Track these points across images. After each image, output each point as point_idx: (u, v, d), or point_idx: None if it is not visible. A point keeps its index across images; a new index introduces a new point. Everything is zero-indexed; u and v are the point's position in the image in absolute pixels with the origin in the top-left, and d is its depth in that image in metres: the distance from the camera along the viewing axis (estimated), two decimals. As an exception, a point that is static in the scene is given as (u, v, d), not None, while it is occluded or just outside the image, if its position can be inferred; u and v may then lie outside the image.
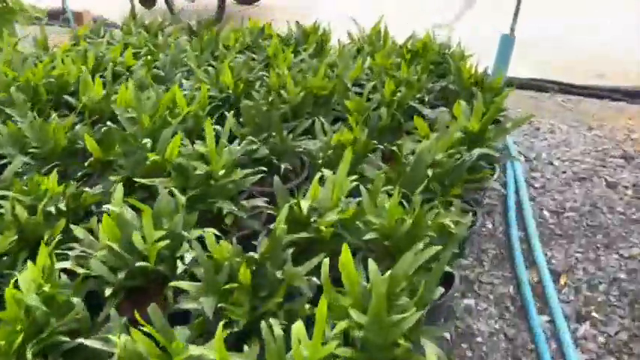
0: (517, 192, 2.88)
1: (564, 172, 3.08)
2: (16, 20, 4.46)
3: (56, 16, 5.80)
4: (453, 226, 1.74)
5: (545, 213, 2.75)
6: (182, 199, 1.87)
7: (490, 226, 2.67)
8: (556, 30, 5.52)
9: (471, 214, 2.24)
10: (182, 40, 3.42)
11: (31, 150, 2.24)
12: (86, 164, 2.15)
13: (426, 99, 2.73)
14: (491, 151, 2.16)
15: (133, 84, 2.57)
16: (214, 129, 2.50)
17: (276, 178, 2.00)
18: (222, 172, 2.03)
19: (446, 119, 2.50)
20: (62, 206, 1.88)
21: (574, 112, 3.89)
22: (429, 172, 2.05)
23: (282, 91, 2.61)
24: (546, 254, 2.48)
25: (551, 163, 3.17)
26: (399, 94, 2.60)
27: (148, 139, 2.18)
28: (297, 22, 3.53)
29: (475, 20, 6.22)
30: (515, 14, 3.07)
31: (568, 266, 2.41)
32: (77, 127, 2.29)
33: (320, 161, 2.20)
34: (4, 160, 2.23)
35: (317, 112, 2.70)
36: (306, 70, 3.02)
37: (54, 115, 2.39)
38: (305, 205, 1.84)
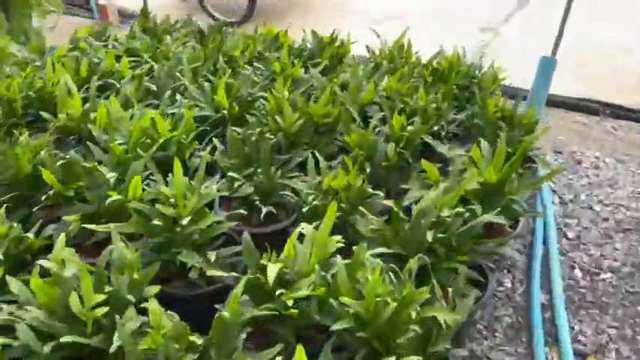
0: (545, 242, 2.50)
1: (605, 220, 2.66)
2: (34, 14, 4.33)
3: (81, 5, 5.65)
4: (444, 322, 1.41)
5: (577, 272, 2.36)
6: (130, 256, 1.61)
7: (509, 284, 2.31)
8: (607, 40, 4.95)
9: (489, 273, 1.92)
10: (188, 47, 3.16)
11: (-7, 174, 2.04)
12: (43, 198, 1.93)
13: (444, 133, 2.38)
14: (499, 218, 1.78)
15: (117, 101, 2.34)
16: (200, 156, 2.25)
17: (245, 236, 1.71)
18: (187, 220, 1.76)
19: (464, 161, 2.15)
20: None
21: (625, 143, 3.43)
22: (431, 235, 1.71)
23: (278, 117, 2.31)
24: (573, 327, 2.10)
25: (591, 208, 2.75)
26: (410, 127, 2.25)
27: (113, 174, 1.94)
28: (313, 31, 3.20)
29: (526, 22, 5.72)
30: (559, 34, 2.65)
31: (597, 345, 2.03)
32: (42, 152, 2.06)
33: (306, 209, 1.90)
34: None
35: (318, 142, 2.38)
36: (316, 88, 2.71)
37: (23, 136, 2.17)
38: (272, 271, 1.54)
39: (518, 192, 1.96)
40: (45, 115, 2.32)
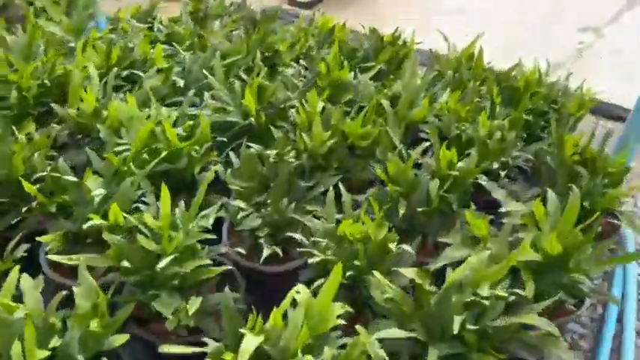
0: (621, 318, 2.02)
1: None
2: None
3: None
4: None
5: (658, 365, 1.88)
6: (86, 304, 1.36)
7: (565, 369, 1.86)
8: None
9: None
10: (234, 36, 2.87)
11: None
12: (24, 210, 1.72)
13: (506, 172, 1.94)
14: (550, 326, 1.33)
15: (134, 98, 2.09)
16: (216, 172, 1.96)
17: (226, 293, 1.40)
18: (166, 261, 1.48)
19: (523, 214, 1.73)
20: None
21: None
22: (458, 324, 1.33)
23: (306, 135, 1.97)
24: None
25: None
26: (462, 163, 1.84)
27: (101, 191, 1.69)
28: (372, 29, 2.80)
29: (634, 22, 4.95)
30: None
31: None
32: (36, 154, 1.85)
33: (312, 261, 1.56)
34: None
35: (351, 167, 2.03)
36: (363, 98, 2.34)
37: (25, 130, 1.99)
38: (247, 350, 1.24)
39: (587, 269, 1.52)
40: (56, 107, 2.12)
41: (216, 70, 2.36)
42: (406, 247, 1.59)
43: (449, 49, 2.65)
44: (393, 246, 1.54)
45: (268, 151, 1.87)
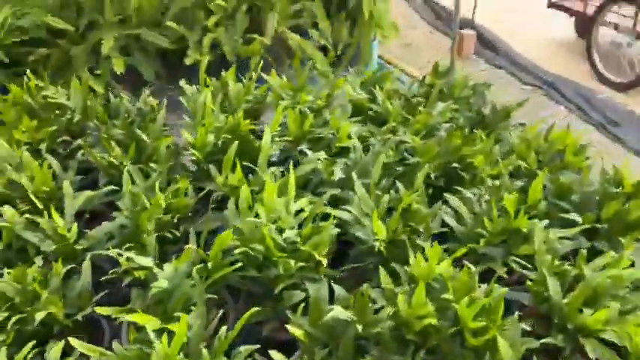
0: None
1: None
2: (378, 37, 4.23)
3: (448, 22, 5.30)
4: None
5: None
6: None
7: None
8: None
9: None
10: (443, 129, 2.48)
11: (124, 216, 2.02)
12: (111, 271, 1.79)
13: None
14: None
15: (274, 184, 1.99)
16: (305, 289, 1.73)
17: None
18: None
19: None
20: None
21: None
22: None
23: (403, 299, 1.53)
24: None
25: None
26: None
27: (162, 284, 1.64)
28: (616, 171, 2.02)
29: None
30: None
31: None
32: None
33: None
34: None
35: (451, 357, 1.51)
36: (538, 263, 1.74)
37: (174, 186, 2.10)
38: None
39: None
40: (213, 170, 2.17)
41: (374, 172, 2.07)
42: None
43: None
44: None
45: (343, 312, 1.51)
